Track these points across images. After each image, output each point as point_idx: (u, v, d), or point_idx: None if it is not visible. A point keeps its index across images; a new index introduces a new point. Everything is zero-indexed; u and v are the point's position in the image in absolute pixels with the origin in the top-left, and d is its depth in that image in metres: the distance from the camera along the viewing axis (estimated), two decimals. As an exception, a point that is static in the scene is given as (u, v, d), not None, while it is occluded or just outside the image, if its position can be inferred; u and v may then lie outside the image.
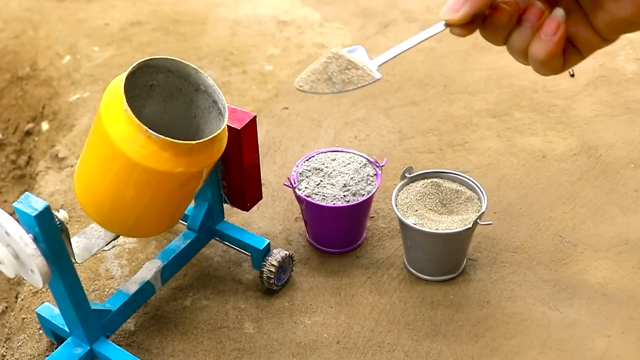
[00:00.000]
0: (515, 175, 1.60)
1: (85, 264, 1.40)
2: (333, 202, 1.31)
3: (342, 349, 1.23)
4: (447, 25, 0.73)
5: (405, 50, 0.89)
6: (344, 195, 1.32)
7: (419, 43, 0.87)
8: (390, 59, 0.93)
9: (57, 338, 1.24)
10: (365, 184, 1.35)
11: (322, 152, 1.41)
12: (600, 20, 0.59)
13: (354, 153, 1.40)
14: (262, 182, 1.51)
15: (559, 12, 0.64)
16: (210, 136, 1.03)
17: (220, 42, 2.18)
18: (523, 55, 0.68)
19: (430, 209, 1.30)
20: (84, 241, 1.19)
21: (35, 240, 0.94)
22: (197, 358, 1.23)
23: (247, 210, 1.30)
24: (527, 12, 0.67)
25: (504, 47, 0.78)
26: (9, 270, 0.97)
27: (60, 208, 1.55)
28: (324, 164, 1.38)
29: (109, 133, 0.99)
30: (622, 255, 1.38)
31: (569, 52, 0.65)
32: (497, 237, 1.43)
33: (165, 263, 1.25)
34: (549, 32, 0.64)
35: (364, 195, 1.33)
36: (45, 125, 1.98)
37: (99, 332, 1.14)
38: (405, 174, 1.34)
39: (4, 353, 1.26)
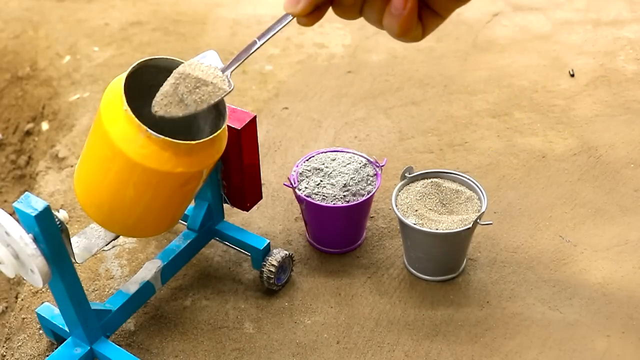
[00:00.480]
0: (515, 175, 1.60)
1: (85, 264, 1.40)
2: (333, 202, 1.31)
3: (342, 349, 1.23)
4: (292, 16, 0.69)
5: (256, 49, 0.85)
6: (344, 195, 1.32)
7: (268, 39, 0.83)
8: (241, 63, 0.88)
9: (57, 338, 1.24)
10: (365, 184, 1.35)
11: (322, 152, 1.41)
12: None
13: (354, 153, 1.40)
14: (262, 182, 1.51)
15: None
16: (211, 136, 1.03)
17: (220, 42, 2.18)
18: (378, 25, 0.65)
19: (430, 209, 1.30)
20: (84, 241, 1.19)
21: (35, 240, 0.94)
22: (197, 358, 1.23)
23: (247, 210, 1.30)
24: None
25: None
26: (9, 270, 0.97)
27: (60, 208, 1.55)
28: (324, 164, 1.38)
29: (109, 133, 0.99)
30: (622, 255, 1.38)
31: (428, 17, 0.63)
32: (497, 237, 1.43)
33: (165, 263, 1.25)
34: (398, 7, 0.61)
35: (364, 195, 1.33)
36: (45, 125, 1.98)
37: (99, 332, 1.14)
38: (405, 174, 1.34)
39: (4, 353, 1.26)
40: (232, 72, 0.91)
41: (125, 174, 1.02)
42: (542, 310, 1.28)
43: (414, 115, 1.81)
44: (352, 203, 1.31)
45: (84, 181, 1.09)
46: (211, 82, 0.91)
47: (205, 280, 1.37)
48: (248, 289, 1.35)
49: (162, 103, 0.90)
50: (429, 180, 1.34)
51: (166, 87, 0.91)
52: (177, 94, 0.91)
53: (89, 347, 1.14)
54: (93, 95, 1.97)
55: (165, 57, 1.06)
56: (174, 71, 0.90)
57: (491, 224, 1.30)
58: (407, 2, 0.60)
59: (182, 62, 1.07)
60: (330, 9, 0.71)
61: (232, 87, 0.90)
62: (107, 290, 1.36)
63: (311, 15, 0.67)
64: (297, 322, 1.28)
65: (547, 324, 1.25)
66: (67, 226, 1.24)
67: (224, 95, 0.91)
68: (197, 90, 0.91)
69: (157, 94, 0.88)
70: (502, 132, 1.73)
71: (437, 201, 1.32)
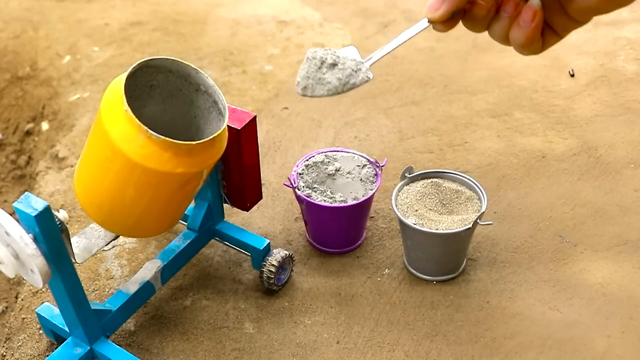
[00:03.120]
0: (515, 175, 1.60)
1: (85, 264, 1.40)
2: (333, 202, 1.31)
3: (342, 349, 1.23)
4: (430, 22, 0.77)
5: (394, 48, 0.90)
6: (344, 195, 1.32)
7: (403, 43, 0.90)
8: (377, 60, 0.93)
9: (57, 338, 1.24)
10: (366, 184, 1.35)
11: (322, 152, 1.41)
12: (571, 8, 0.66)
13: (354, 153, 1.40)
14: (262, 182, 1.51)
15: (535, 2, 0.70)
16: (211, 136, 1.03)
17: (220, 42, 2.18)
18: (504, 40, 0.74)
19: (430, 209, 1.30)
20: (84, 241, 1.19)
21: (35, 240, 0.94)
22: (197, 358, 1.23)
23: (247, 210, 1.30)
24: (504, 4, 0.72)
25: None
26: (9, 270, 0.97)
27: (60, 208, 1.55)
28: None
29: (109, 133, 0.99)
30: (622, 255, 1.38)
31: (547, 34, 0.71)
32: (497, 237, 1.43)
33: (165, 263, 1.25)
34: (526, 20, 0.69)
35: (364, 195, 1.33)
36: (45, 125, 1.98)
37: (99, 332, 1.14)
38: (405, 174, 1.34)
39: (4, 353, 1.26)
40: (371, 65, 0.96)
41: (125, 174, 1.02)
42: (542, 310, 1.28)
43: (414, 115, 1.81)
44: (352, 203, 1.31)
45: (84, 181, 1.09)
46: (354, 59, 0.94)
47: (205, 280, 1.37)
48: (248, 289, 1.35)
49: (306, 83, 0.92)
50: (429, 180, 1.34)
51: (307, 68, 0.93)
52: (320, 72, 0.94)
53: (89, 347, 1.14)
54: (93, 95, 1.97)
55: (165, 57, 1.06)
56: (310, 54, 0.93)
57: (491, 224, 1.30)
58: (535, 17, 0.70)
59: (183, 63, 1.08)
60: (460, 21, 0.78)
61: (371, 77, 0.94)
62: (107, 290, 1.36)
63: (447, 22, 0.76)
64: (297, 322, 1.28)
65: (547, 324, 1.25)
66: (67, 226, 1.24)
67: (365, 81, 0.94)
68: (340, 67, 0.93)
69: (300, 77, 0.91)
70: (502, 132, 1.73)
71: (437, 201, 1.32)
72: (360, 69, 0.94)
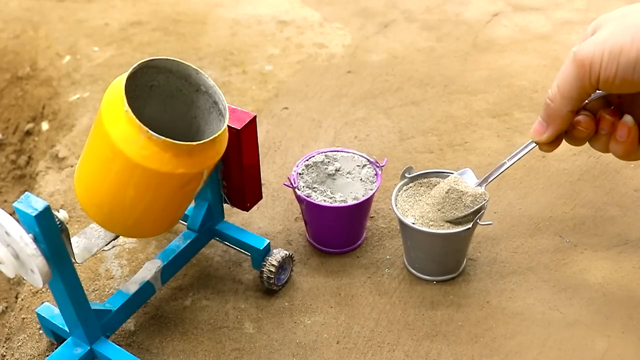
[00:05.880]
0: (515, 175, 1.60)
1: (85, 264, 1.40)
2: (333, 202, 1.32)
3: (342, 349, 1.23)
4: (536, 143, 0.88)
5: (506, 169, 1.15)
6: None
7: (515, 161, 1.13)
8: (492, 180, 1.20)
9: (57, 338, 1.24)
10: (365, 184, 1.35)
11: (322, 152, 1.41)
12: None
13: (354, 153, 1.40)
14: (262, 182, 1.51)
15: (628, 119, 0.76)
16: (211, 137, 1.03)
17: (220, 42, 2.18)
18: (605, 151, 0.82)
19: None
20: (84, 241, 1.19)
21: (35, 240, 0.94)
22: (197, 358, 1.23)
23: (247, 210, 1.30)
24: (600, 123, 0.80)
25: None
26: (9, 270, 0.97)
27: (60, 208, 1.55)
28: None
29: (110, 134, 0.99)
30: (622, 255, 1.38)
31: None
32: (497, 237, 1.43)
33: (165, 263, 1.25)
34: (623, 136, 0.76)
35: (364, 195, 1.33)
36: (45, 125, 1.98)
37: (99, 332, 1.15)
38: (405, 174, 1.34)
39: (4, 353, 1.26)
40: (485, 185, 1.22)
41: (125, 175, 1.02)
42: (542, 310, 1.28)
43: (414, 115, 1.81)
44: (352, 203, 1.31)
45: (84, 181, 1.09)
46: (472, 194, 1.19)
47: (205, 280, 1.37)
48: (248, 289, 1.35)
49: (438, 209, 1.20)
50: (429, 180, 1.34)
51: (438, 198, 1.21)
52: (447, 202, 1.20)
53: (89, 347, 1.14)
54: (93, 95, 1.97)
55: (165, 57, 1.06)
56: (443, 185, 1.21)
57: (491, 224, 1.30)
58: (630, 132, 0.76)
59: (183, 63, 1.08)
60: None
61: (488, 198, 1.20)
62: (107, 290, 1.36)
63: (552, 143, 0.84)
64: (297, 322, 1.28)
65: (547, 324, 1.25)
66: (67, 226, 1.25)
67: (484, 203, 1.21)
68: (461, 199, 1.19)
69: (431, 204, 1.22)
70: (502, 132, 1.73)
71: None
72: (481, 197, 1.21)
